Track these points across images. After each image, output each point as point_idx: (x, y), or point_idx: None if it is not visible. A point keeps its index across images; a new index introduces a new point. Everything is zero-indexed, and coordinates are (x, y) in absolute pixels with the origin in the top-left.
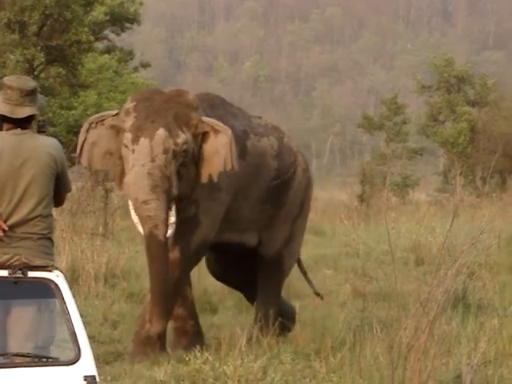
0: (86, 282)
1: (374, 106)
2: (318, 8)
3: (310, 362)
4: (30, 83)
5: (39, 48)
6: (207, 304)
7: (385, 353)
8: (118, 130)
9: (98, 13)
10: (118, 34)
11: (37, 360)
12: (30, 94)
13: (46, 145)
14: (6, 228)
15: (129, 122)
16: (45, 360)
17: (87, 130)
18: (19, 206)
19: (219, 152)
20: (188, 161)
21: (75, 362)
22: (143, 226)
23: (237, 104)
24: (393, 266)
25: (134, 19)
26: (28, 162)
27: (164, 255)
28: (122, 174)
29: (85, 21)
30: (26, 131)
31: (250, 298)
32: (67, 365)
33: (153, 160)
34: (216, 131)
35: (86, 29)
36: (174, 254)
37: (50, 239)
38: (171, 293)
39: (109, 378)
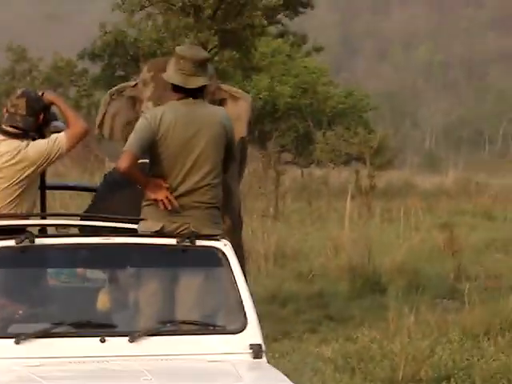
0: (256, 261)
1: None
2: None
3: (479, 342)
4: (202, 53)
5: (213, 31)
6: (376, 285)
7: None
8: (135, 101)
9: None
10: (291, 19)
11: (203, 328)
12: (202, 64)
13: (217, 114)
14: (176, 204)
15: (147, 92)
16: (211, 328)
17: (108, 103)
18: (189, 175)
19: (241, 118)
20: None
21: (242, 331)
22: None
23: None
24: None
25: (307, 3)
26: (200, 132)
27: None
28: None
29: (258, 5)
30: (197, 101)
31: None
32: (234, 333)
33: None
34: (235, 98)
35: (259, 13)
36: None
37: (218, 208)
38: None
39: (277, 355)
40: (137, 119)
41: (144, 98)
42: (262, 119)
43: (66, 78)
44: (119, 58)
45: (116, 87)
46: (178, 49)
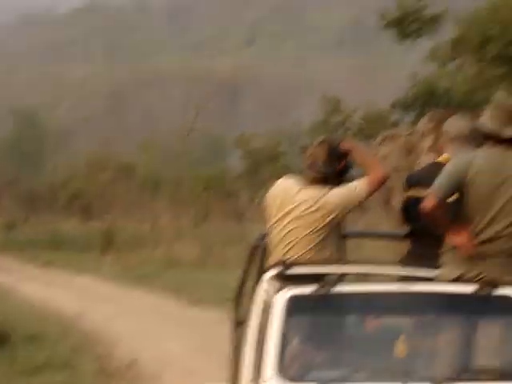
0: None
1: None
2: None
3: None
4: None
5: None
6: None
7: None
8: (410, 150)
9: None
10: None
11: (503, 375)
12: None
13: None
14: (475, 251)
15: (426, 143)
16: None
17: (379, 144)
18: (493, 222)
19: None
20: None
21: None
22: None
23: None
24: None
25: None
26: (509, 180)
27: None
28: None
29: None
30: (510, 149)
31: None
32: None
33: None
34: None
35: None
36: None
37: None
38: None
39: None
40: (406, 168)
41: (421, 149)
42: None
43: (378, 129)
44: (430, 108)
45: (389, 132)
46: (495, 97)
